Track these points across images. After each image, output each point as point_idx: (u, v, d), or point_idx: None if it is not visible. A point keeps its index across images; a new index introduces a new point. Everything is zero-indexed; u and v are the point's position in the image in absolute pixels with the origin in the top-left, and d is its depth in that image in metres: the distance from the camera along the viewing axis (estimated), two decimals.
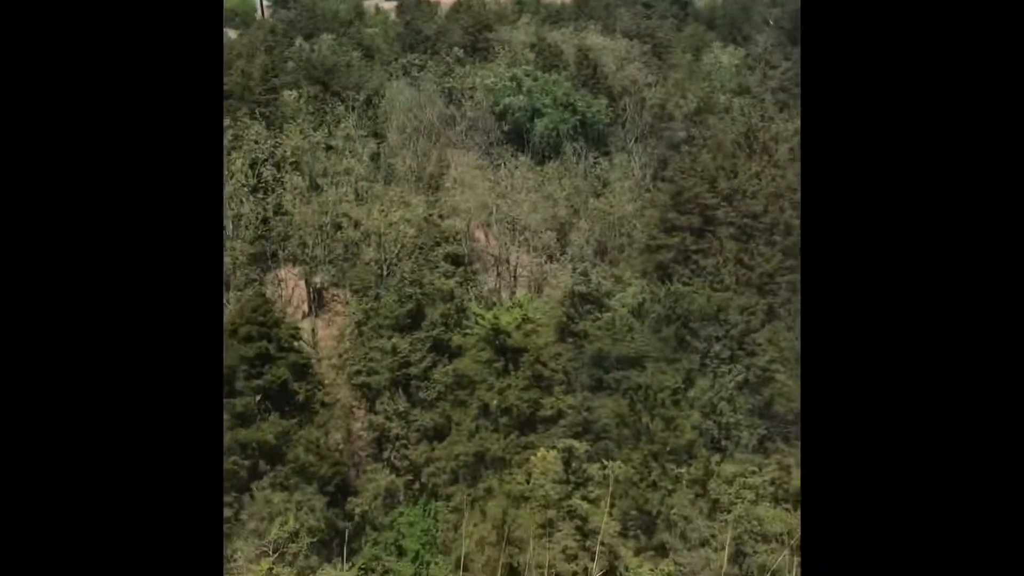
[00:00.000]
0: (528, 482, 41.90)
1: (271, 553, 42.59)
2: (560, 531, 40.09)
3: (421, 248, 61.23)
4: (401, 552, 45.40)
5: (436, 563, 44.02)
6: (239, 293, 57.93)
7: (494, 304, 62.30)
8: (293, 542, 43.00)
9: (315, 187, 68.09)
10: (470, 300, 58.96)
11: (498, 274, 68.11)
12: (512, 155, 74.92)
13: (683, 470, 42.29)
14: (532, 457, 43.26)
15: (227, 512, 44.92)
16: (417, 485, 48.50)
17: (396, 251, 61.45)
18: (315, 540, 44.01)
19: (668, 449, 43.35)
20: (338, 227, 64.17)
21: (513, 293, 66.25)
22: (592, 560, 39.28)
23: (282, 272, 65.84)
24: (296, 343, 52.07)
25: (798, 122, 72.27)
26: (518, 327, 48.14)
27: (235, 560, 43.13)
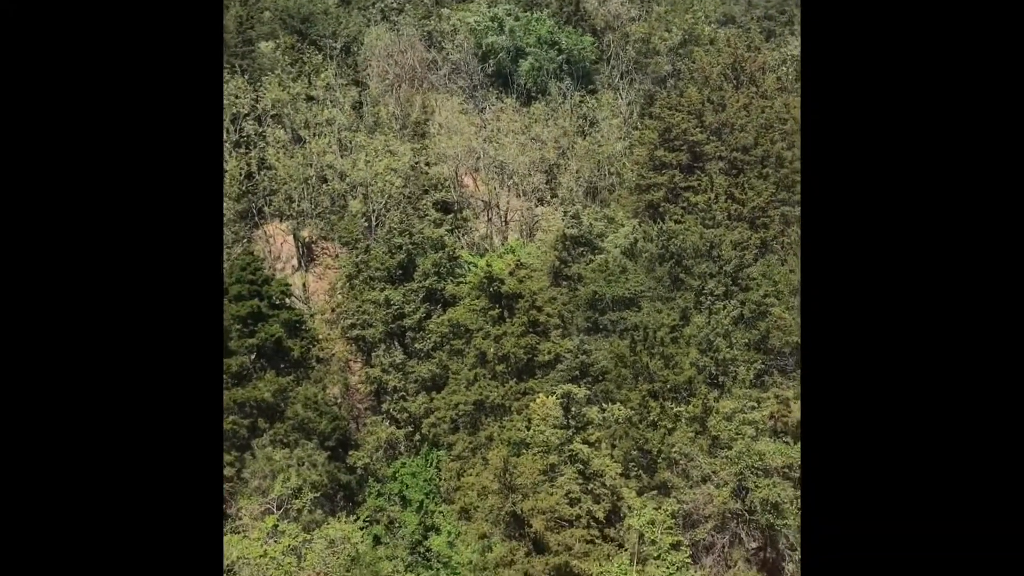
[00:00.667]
0: (528, 428, 41.90)
1: (275, 510, 42.73)
2: (562, 475, 40.20)
3: (409, 197, 60.49)
4: (405, 502, 45.60)
5: (440, 512, 44.22)
6: (228, 251, 57.29)
7: (486, 251, 61.86)
8: (296, 498, 43.11)
9: (298, 139, 67.01)
10: (461, 248, 58.46)
11: (489, 220, 67.46)
12: (497, 97, 73.79)
13: (682, 408, 42.32)
14: (531, 403, 43.20)
15: (229, 471, 44.96)
16: (417, 436, 48.53)
17: (384, 201, 60.70)
18: (318, 495, 44.15)
19: (668, 387, 43.34)
20: (324, 179, 63.27)
21: (505, 239, 65.71)
22: (595, 503, 39.46)
23: (270, 228, 65.10)
24: (288, 299, 51.69)
25: (784, 51, 71.31)
26: (511, 273, 47.75)
27: (240, 518, 43.27)
